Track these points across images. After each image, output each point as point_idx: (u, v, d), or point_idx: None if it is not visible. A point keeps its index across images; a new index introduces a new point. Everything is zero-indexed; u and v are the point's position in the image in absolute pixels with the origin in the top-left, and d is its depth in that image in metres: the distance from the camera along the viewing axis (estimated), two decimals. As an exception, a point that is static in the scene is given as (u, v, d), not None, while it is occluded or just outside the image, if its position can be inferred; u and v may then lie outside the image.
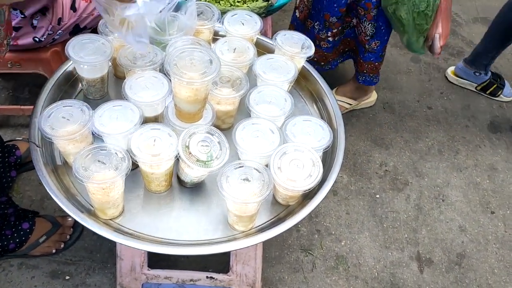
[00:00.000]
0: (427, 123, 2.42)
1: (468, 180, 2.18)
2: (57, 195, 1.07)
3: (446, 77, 2.67)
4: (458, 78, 2.63)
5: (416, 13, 1.77)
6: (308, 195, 1.16)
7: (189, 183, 1.17)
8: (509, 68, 2.77)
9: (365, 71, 2.13)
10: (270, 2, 1.63)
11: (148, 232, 1.11)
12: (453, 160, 2.26)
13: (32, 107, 1.27)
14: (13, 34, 1.64)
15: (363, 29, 1.93)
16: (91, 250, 1.77)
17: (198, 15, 1.39)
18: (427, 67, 2.74)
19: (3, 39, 1.24)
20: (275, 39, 1.37)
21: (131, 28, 1.12)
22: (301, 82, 1.46)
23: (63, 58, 1.69)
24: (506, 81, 2.58)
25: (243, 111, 1.26)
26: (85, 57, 1.23)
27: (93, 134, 1.11)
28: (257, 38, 1.48)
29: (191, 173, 1.12)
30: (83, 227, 1.53)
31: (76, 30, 1.71)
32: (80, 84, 1.36)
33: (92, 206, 1.10)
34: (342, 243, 1.91)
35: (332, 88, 1.47)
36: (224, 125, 1.31)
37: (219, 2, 1.70)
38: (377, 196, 2.08)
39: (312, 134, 1.17)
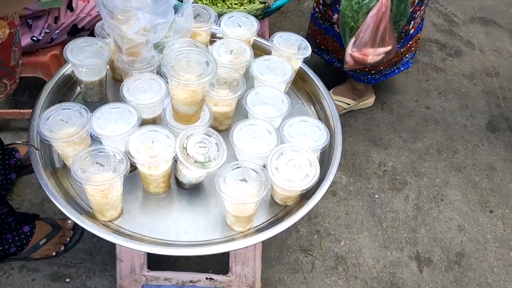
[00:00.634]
0: (426, 123, 2.43)
1: (466, 180, 2.18)
2: (56, 197, 1.08)
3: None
4: None
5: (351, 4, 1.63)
6: (306, 195, 1.16)
7: (187, 184, 1.18)
8: (507, 67, 2.78)
9: (365, 69, 2.13)
10: (267, 4, 1.64)
11: (147, 233, 1.12)
12: (451, 159, 2.27)
13: (31, 110, 1.28)
14: None
15: None
16: (91, 252, 1.77)
17: (195, 17, 1.39)
18: (425, 67, 2.75)
19: (18, 60, 1.25)
20: (272, 40, 1.38)
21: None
22: (299, 83, 1.47)
23: (62, 61, 1.70)
24: None
25: (240, 112, 1.26)
26: (83, 60, 1.24)
27: (91, 137, 1.12)
28: (254, 39, 1.48)
29: (189, 174, 1.12)
30: (83, 230, 1.53)
31: (74, 30, 1.72)
32: (78, 87, 1.37)
33: (91, 208, 1.11)
34: (342, 243, 1.91)
35: (329, 89, 1.47)
36: (222, 127, 1.32)
37: (216, 5, 1.71)
38: (376, 196, 2.08)
39: (309, 134, 1.18)
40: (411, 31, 2.07)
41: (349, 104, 2.37)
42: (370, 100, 2.43)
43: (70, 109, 1.13)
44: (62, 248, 1.73)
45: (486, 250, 1.93)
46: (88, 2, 1.70)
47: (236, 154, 1.18)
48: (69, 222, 1.77)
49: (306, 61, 1.41)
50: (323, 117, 1.39)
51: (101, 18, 1.16)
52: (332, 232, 1.94)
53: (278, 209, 1.19)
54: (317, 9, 2.09)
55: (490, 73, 2.74)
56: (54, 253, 1.72)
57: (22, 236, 1.67)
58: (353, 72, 2.20)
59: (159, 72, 1.19)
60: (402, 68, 2.26)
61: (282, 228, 1.10)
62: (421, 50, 2.85)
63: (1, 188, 1.48)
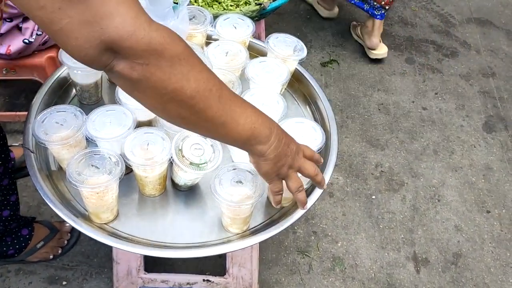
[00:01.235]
0: (422, 124, 2.43)
1: (463, 180, 2.19)
2: (52, 200, 1.08)
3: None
4: None
5: None
6: (301, 197, 1.16)
7: (183, 186, 1.18)
8: (503, 68, 2.78)
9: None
10: (262, 5, 1.64)
11: (143, 235, 1.11)
12: (448, 160, 2.27)
13: (26, 113, 1.28)
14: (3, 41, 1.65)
15: None
16: (88, 255, 1.77)
17: (190, 19, 1.39)
18: (421, 68, 2.76)
19: None
20: (267, 42, 1.38)
21: None
22: (294, 84, 1.47)
23: (58, 63, 1.70)
24: None
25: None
26: (78, 62, 1.24)
27: (86, 139, 1.12)
28: (250, 41, 1.48)
29: (185, 176, 1.12)
30: (80, 232, 1.53)
31: None
32: (74, 90, 1.37)
33: (87, 211, 1.11)
34: (339, 245, 1.91)
35: (327, 87, 1.47)
36: (218, 128, 1.32)
37: (212, 6, 1.72)
38: (373, 197, 2.09)
39: (305, 136, 1.18)
40: None
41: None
42: (383, 51, 2.68)
43: (65, 111, 1.13)
44: (60, 251, 1.73)
45: (483, 250, 1.94)
46: None
47: (232, 156, 1.18)
48: (67, 225, 1.77)
49: (302, 62, 1.41)
50: (319, 118, 1.39)
51: None
52: (329, 233, 1.94)
53: (275, 211, 1.19)
54: None
55: (486, 73, 2.74)
56: (51, 256, 1.71)
57: (21, 239, 1.66)
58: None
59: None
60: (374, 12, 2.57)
61: (278, 230, 1.10)
62: (417, 50, 2.86)
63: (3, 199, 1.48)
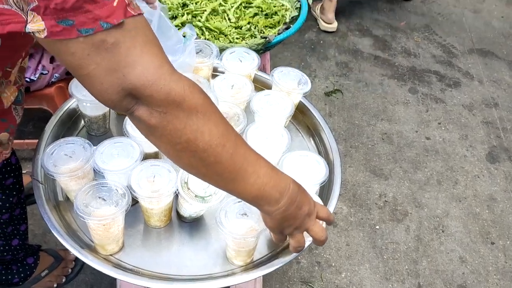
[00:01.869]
0: (426, 153, 2.45)
1: (467, 211, 2.19)
2: (58, 231, 1.09)
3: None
4: None
5: None
6: (305, 229, 1.17)
7: (188, 218, 1.19)
8: (505, 99, 2.81)
9: None
10: (268, 39, 1.68)
11: (148, 267, 1.12)
12: (452, 190, 2.27)
13: (36, 141, 1.30)
14: None
15: None
16: (92, 285, 1.77)
17: (197, 52, 1.43)
18: (424, 98, 2.78)
19: (20, 115, 1.28)
20: (272, 75, 1.41)
21: None
22: (299, 117, 1.49)
23: (67, 93, 1.73)
24: None
25: (241, 146, 1.28)
26: (88, 95, 1.26)
27: (94, 170, 1.14)
28: (255, 74, 1.51)
29: (190, 208, 1.14)
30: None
31: None
32: (82, 121, 1.39)
33: (93, 242, 1.12)
34: (343, 275, 1.91)
35: (330, 117, 1.50)
36: (223, 160, 1.34)
37: (218, 39, 1.76)
38: (377, 227, 2.09)
39: (309, 168, 1.19)
40: None
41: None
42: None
43: (74, 143, 1.15)
44: (64, 280, 1.73)
45: (488, 282, 1.92)
46: None
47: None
48: (71, 253, 1.77)
49: (306, 95, 1.44)
50: (322, 150, 1.40)
51: None
52: (333, 264, 1.94)
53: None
54: None
55: (489, 104, 2.77)
56: (55, 285, 1.71)
57: (27, 267, 1.67)
58: None
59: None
60: None
61: (283, 262, 1.11)
62: (421, 80, 2.89)
63: (13, 210, 1.49)
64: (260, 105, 1.34)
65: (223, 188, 0.92)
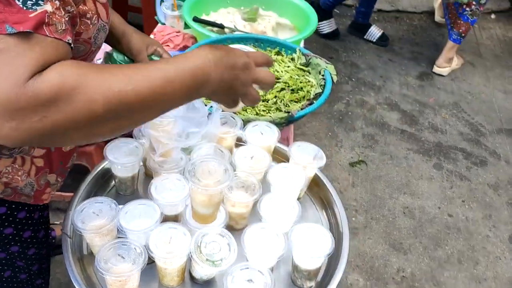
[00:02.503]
0: (447, 231, 2.45)
1: (487, 293, 2.16)
2: (79, 283, 1.18)
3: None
4: None
5: None
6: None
7: (200, 279, 1.27)
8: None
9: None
10: (290, 113, 1.79)
11: (159, 324, 1.19)
12: (472, 270, 2.26)
13: (72, 194, 1.43)
14: None
15: None
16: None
17: (223, 124, 1.56)
18: (449, 174, 2.81)
19: (73, 161, 1.39)
20: (290, 149, 1.51)
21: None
22: (314, 189, 1.57)
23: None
24: None
25: (256, 213, 1.37)
26: (120, 158, 1.40)
27: (117, 228, 1.25)
28: (276, 145, 1.62)
29: (201, 271, 1.22)
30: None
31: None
32: (113, 181, 1.52)
33: (109, 296, 1.21)
34: None
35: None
36: (238, 226, 1.42)
37: (245, 110, 1.88)
38: (393, 302, 2.08)
39: (315, 240, 1.26)
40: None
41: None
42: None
43: (102, 203, 1.27)
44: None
45: None
46: None
47: (246, 256, 1.26)
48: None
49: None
50: (334, 222, 1.47)
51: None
52: (345, 337, 1.94)
53: (284, 311, 1.24)
54: None
55: (515, 184, 2.77)
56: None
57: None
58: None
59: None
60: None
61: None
62: (446, 157, 2.93)
63: (42, 263, 1.58)
64: (276, 177, 1.43)
65: (156, 116, 0.90)
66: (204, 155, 1.30)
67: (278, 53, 2.14)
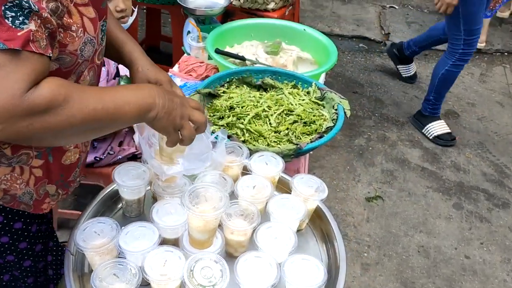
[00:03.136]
0: (463, 273, 2.39)
1: None
2: (77, 300, 1.23)
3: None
4: None
5: None
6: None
7: (192, 303, 1.29)
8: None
9: None
10: (299, 145, 1.82)
11: None
12: (486, 315, 2.19)
13: (80, 213, 1.49)
14: None
15: None
16: None
17: (229, 153, 1.60)
18: (469, 215, 2.76)
19: (77, 177, 1.48)
20: (293, 181, 1.54)
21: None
22: (316, 221, 1.59)
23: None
24: None
25: (254, 241, 1.39)
26: (126, 181, 1.46)
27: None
28: (281, 176, 1.65)
29: (194, 295, 1.24)
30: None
31: (133, 157, 2.01)
32: (121, 203, 1.58)
33: (103, 315, 1.24)
34: None
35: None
36: (237, 253, 1.44)
37: (257, 141, 1.93)
38: None
39: (308, 272, 1.27)
40: None
41: None
42: None
43: (104, 223, 1.32)
44: None
45: None
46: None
47: (238, 281, 1.29)
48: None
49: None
50: (332, 256, 1.47)
51: None
52: None
53: None
54: None
55: (537, 229, 2.68)
56: None
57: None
58: None
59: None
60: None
61: None
62: (467, 197, 2.88)
63: (38, 276, 1.63)
64: (276, 207, 1.46)
65: (118, 128, 1.19)
66: (204, 182, 1.34)
67: (294, 86, 2.20)
